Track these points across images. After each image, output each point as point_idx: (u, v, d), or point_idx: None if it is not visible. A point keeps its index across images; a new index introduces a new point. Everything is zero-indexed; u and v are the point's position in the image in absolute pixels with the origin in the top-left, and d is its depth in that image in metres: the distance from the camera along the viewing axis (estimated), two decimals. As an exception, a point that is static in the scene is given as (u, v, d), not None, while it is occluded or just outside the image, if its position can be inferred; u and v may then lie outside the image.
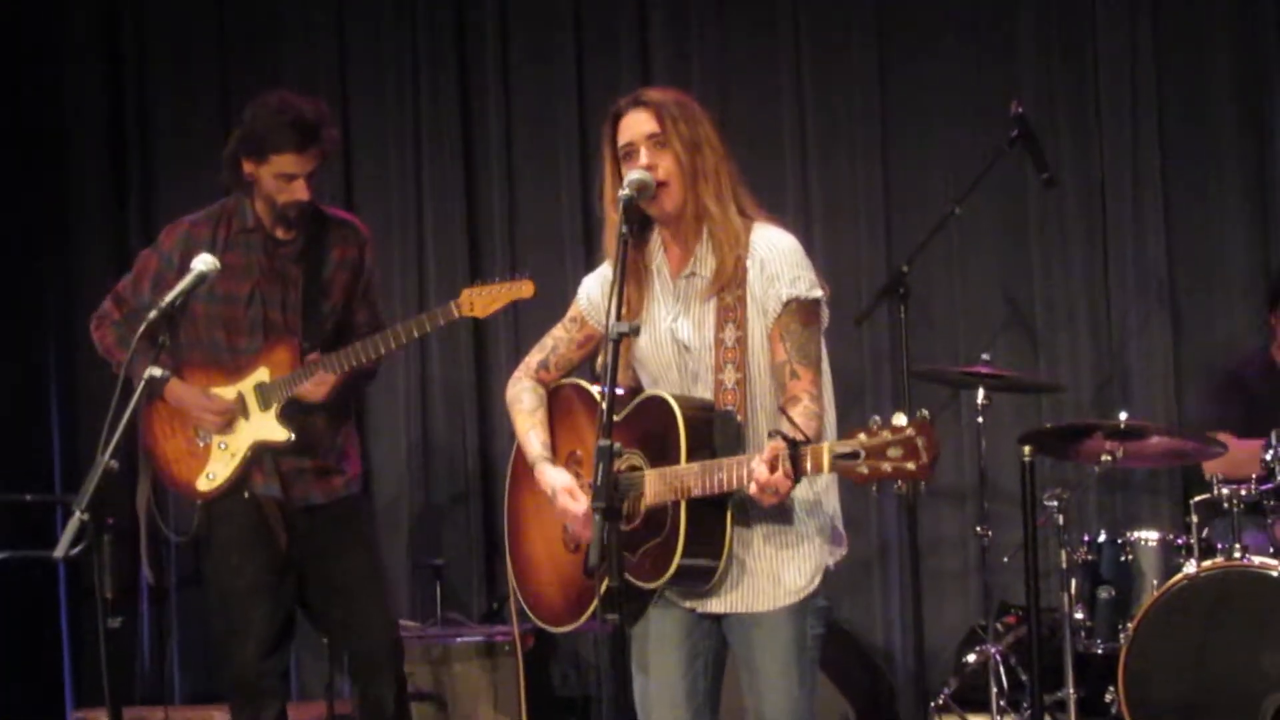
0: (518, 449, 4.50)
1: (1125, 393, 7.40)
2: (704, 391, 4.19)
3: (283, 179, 5.51)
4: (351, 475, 5.83)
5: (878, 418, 3.72)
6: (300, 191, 5.52)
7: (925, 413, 3.70)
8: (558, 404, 4.49)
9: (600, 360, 4.21)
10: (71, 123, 8.34)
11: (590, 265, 7.73)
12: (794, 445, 3.80)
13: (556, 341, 4.52)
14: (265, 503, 5.64)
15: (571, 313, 4.51)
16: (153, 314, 4.51)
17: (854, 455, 3.72)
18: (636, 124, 4.21)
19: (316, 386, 5.60)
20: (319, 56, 8.22)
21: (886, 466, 3.69)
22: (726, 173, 4.23)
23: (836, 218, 7.73)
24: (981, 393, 6.70)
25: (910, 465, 3.68)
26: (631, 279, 4.25)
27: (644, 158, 4.17)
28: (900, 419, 3.69)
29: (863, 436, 3.72)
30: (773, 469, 3.81)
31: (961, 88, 7.66)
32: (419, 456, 8.11)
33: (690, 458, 4.02)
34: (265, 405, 5.65)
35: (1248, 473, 6.19)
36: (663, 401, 4.12)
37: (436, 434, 8.12)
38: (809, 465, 3.79)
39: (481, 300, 5.59)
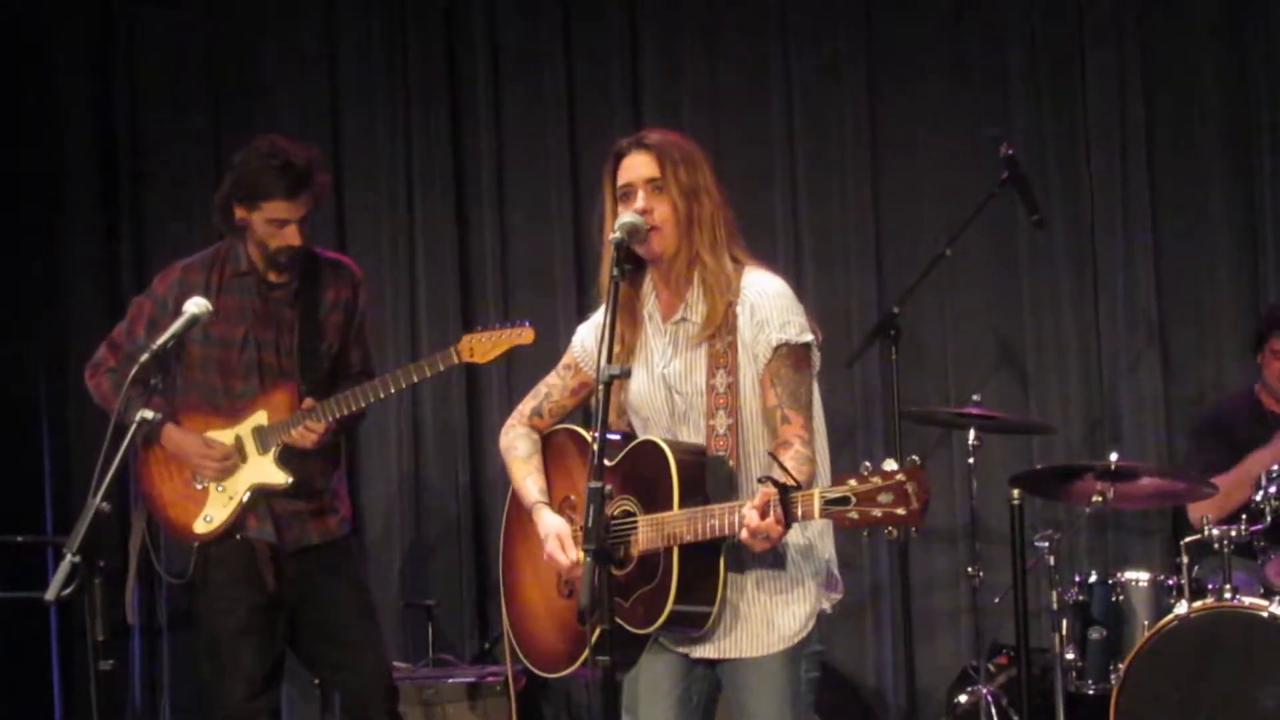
0: (513, 494, 4.51)
1: (1116, 433, 7.41)
2: (695, 436, 4.20)
3: (274, 225, 5.52)
4: (344, 515, 5.83)
5: (869, 464, 3.73)
6: (292, 237, 5.54)
7: (916, 459, 3.71)
8: (551, 450, 4.50)
9: (591, 402, 4.23)
10: (63, 165, 8.32)
11: (583, 305, 7.82)
12: (785, 491, 3.80)
13: (550, 388, 4.53)
14: (258, 546, 5.65)
15: (566, 360, 4.52)
16: (145, 356, 4.52)
17: (845, 501, 3.73)
18: (637, 166, 4.23)
19: (305, 434, 5.60)
20: (310, 97, 8.22)
21: (877, 512, 3.70)
22: (722, 220, 4.25)
23: (827, 258, 7.74)
24: (972, 433, 6.71)
25: (901, 511, 3.69)
26: (626, 322, 4.28)
27: (641, 201, 4.19)
28: (891, 465, 3.70)
29: (853, 482, 3.73)
30: (764, 515, 3.82)
31: (951, 128, 7.68)
32: (410, 496, 8.10)
33: (682, 503, 4.03)
34: (264, 449, 5.65)
35: (1236, 503, 6.20)
36: (656, 446, 4.14)
37: (428, 474, 8.11)
38: (800, 511, 3.80)
39: (482, 346, 5.61)
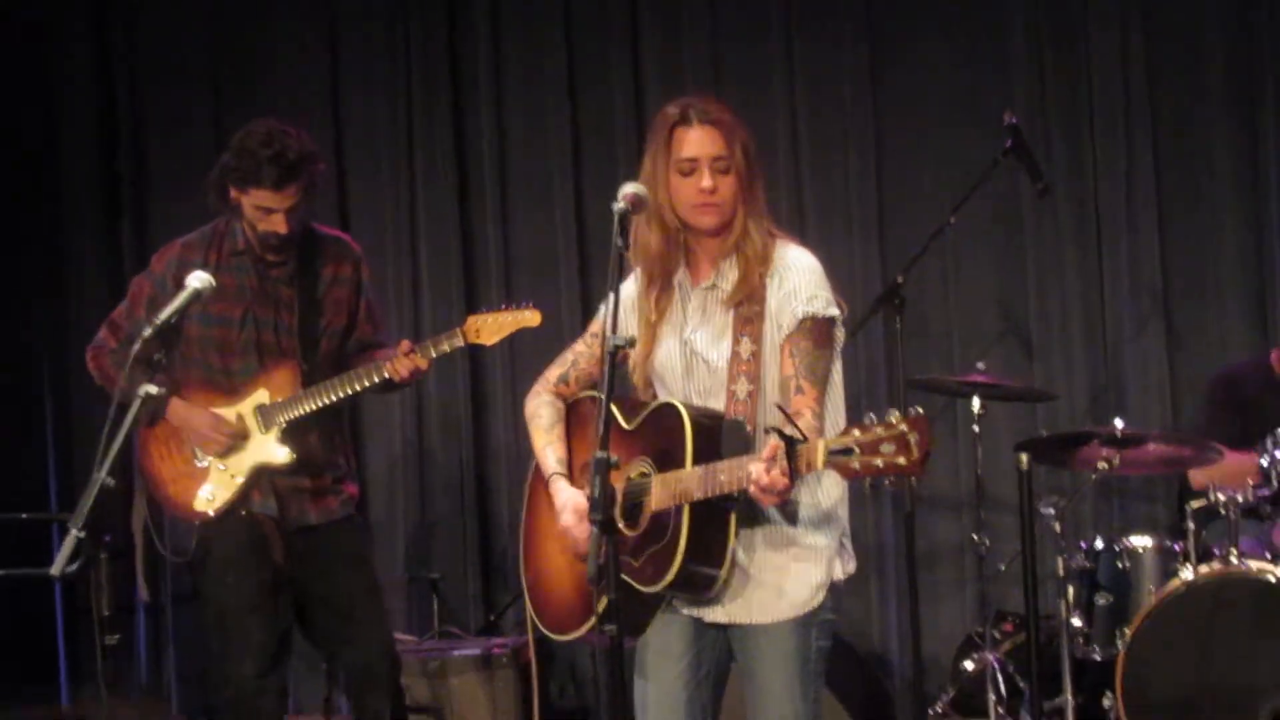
0: (536, 464, 4.51)
1: (1120, 400, 7.40)
2: (718, 403, 4.21)
3: (261, 211, 5.51)
4: (348, 495, 5.83)
5: (872, 415, 3.73)
6: (278, 224, 5.52)
7: (919, 409, 3.71)
8: (576, 416, 4.51)
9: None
10: (63, 143, 8.34)
11: (585, 286, 7.82)
12: (790, 443, 3.80)
13: (577, 356, 4.53)
14: (263, 521, 5.64)
15: (592, 328, 4.52)
16: (147, 331, 4.51)
17: (848, 451, 3.73)
18: (702, 142, 4.23)
19: (405, 365, 5.57)
20: (311, 78, 8.21)
21: (879, 462, 3.70)
22: (763, 194, 4.28)
23: (831, 229, 7.73)
24: (977, 402, 6.70)
25: (902, 460, 3.69)
26: (663, 288, 4.30)
27: (707, 180, 4.19)
28: (893, 415, 3.71)
29: (856, 433, 3.73)
30: (770, 469, 3.82)
31: (954, 97, 7.67)
32: (414, 470, 8.11)
33: (696, 463, 4.04)
34: (266, 427, 5.64)
35: (1237, 484, 6.18)
36: (673, 409, 4.16)
37: (432, 447, 8.12)
38: (804, 463, 3.80)
39: (488, 328, 5.61)
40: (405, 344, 5.61)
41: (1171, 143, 7.47)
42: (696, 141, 4.23)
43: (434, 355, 5.62)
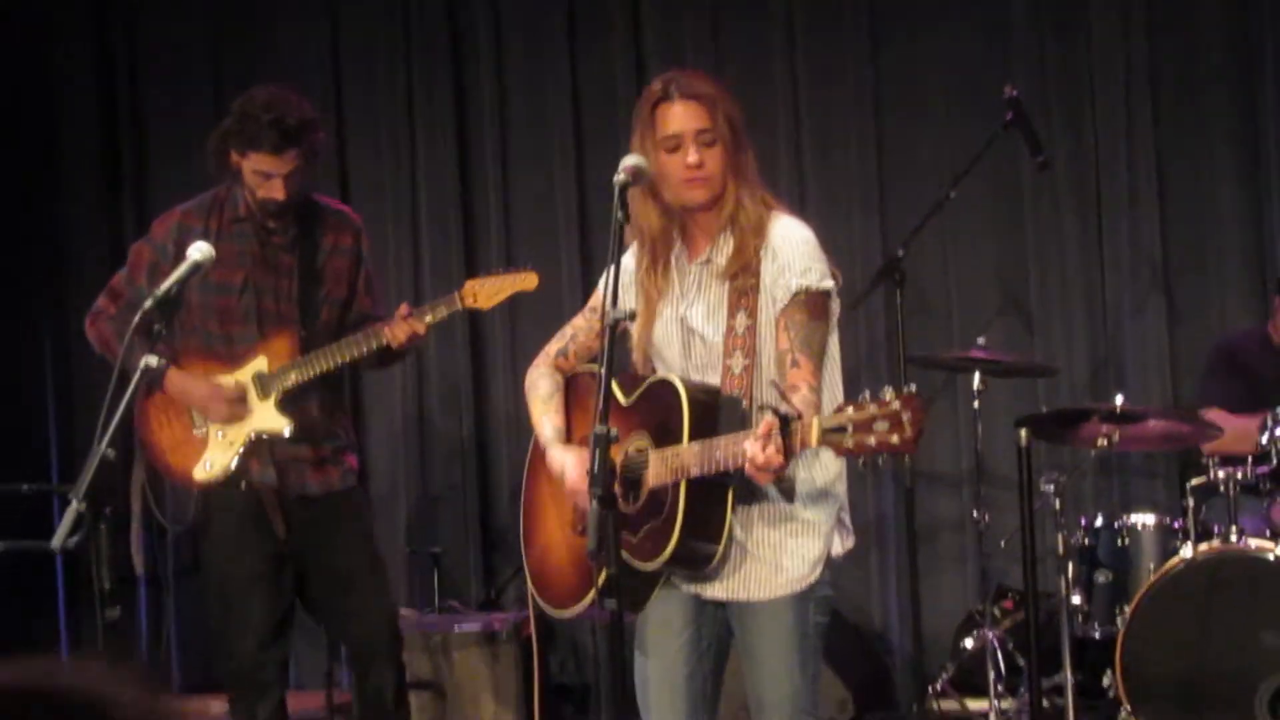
0: (534, 439, 4.51)
1: (1121, 376, 7.40)
2: (715, 378, 4.20)
3: (260, 175, 5.50)
4: (349, 467, 5.82)
5: (867, 392, 3.73)
6: (276, 190, 5.50)
7: (913, 386, 3.70)
8: (575, 390, 4.50)
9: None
10: (62, 112, 8.33)
11: (585, 255, 7.81)
12: (785, 420, 3.80)
13: (576, 330, 4.53)
14: (263, 491, 5.64)
15: (592, 302, 4.51)
16: (148, 303, 4.51)
17: (841, 429, 3.73)
18: (686, 117, 4.20)
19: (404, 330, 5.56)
20: (311, 47, 8.21)
21: (872, 440, 3.70)
22: (754, 164, 4.26)
23: (831, 203, 7.72)
24: (977, 377, 6.71)
25: (895, 438, 3.68)
26: (662, 263, 4.28)
27: (693, 155, 4.17)
28: (888, 393, 3.71)
29: (850, 411, 3.73)
30: (765, 446, 3.82)
31: (955, 70, 7.65)
32: (415, 444, 8.11)
33: (692, 439, 4.03)
34: (265, 394, 5.63)
35: (1244, 449, 6.19)
36: (669, 384, 4.15)
37: (433, 421, 8.12)
38: (799, 441, 3.80)
39: (485, 292, 5.58)
40: (404, 307, 5.61)
41: (1172, 117, 7.46)
42: (679, 117, 4.20)
43: (431, 320, 5.59)
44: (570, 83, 7.99)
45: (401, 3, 8.17)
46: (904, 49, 7.73)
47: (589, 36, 8.02)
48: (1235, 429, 6.35)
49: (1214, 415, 6.43)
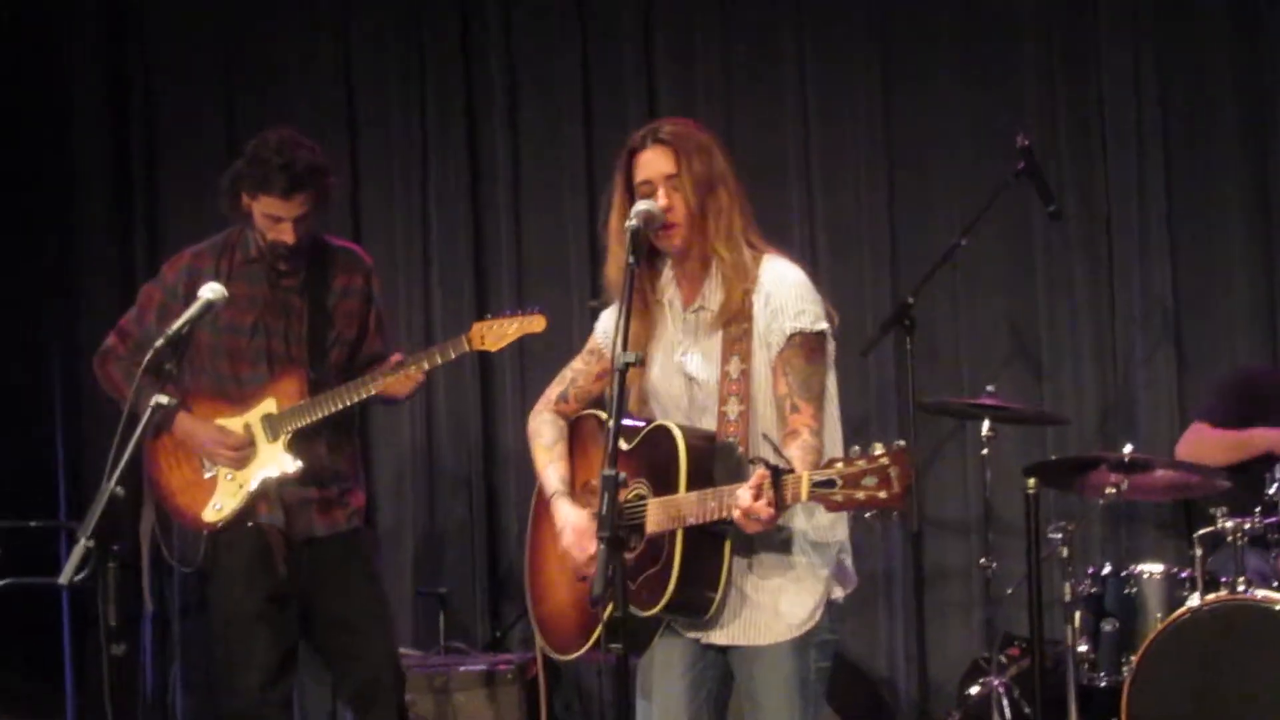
0: (540, 485, 4.52)
1: (1130, 425, 7.39)
2: (712, 424, 4.21)
3: (270, 219, 5.53)
4: (355, 507, 5.82)
5: (857, 447, 3.74)
6: (285, 234, 5.53)
7: (902, 442, 3.71)
8: (577, 435, 4.52)
9: (607, 391, 4.23)
10: (76, 154, 8.35)
11: (596, 295, 7.81)
12: (776, 473, 3.81)
13: (575, 374, 4.54)
14: (269, 531, 5.64)
15: (590, 345, 4.53)
16: (159, 342, 4.51)
17: (830, 484, 3.74)
18: (654, 162, 4.23)
19: (404, 382, 5.60)
20: (325, 86, 8.23)
21: (861, 495, 3.71)
22: (739, 209, 4.25)
23: (842, 249, 7.73)
24: (987, 424, 6.70)
25: (883, 494, 3.70)
26: (639, 311, 4.26)
27: (662, 199, 4.18)
28: (877, 448, 3.71)
29: (840, 465, 3.75)
30: (756, 497, 3.83)
31: (966, 119, 7.67)
32: (424, 484, 8.11)
33: (690, 487, 4.05)
34: (273, 436, 5.65)
35: (1223, 461, 6.35)
36: (667, 431, 4.15)
37: (441, 462, 8.12)
38: (789, 494, 3.81)
39: (492, 334, 5.60)
40: (396, 356, 5.63)
41: (1183, 166, 7.47)
42: (648, 163, 4.23)
43: (439, 362, 5.63)
44: (583, 127, 8.01)
45: (416, 42, 8.19)
46: (916, 95, 7.74)
47: (602, 81, 8.04)
48: (1232, 437, 6.46)
49: (1196, 427, 6.50)
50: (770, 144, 7.79)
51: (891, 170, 7.74)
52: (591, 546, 4.18)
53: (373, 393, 5.60)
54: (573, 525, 4.32)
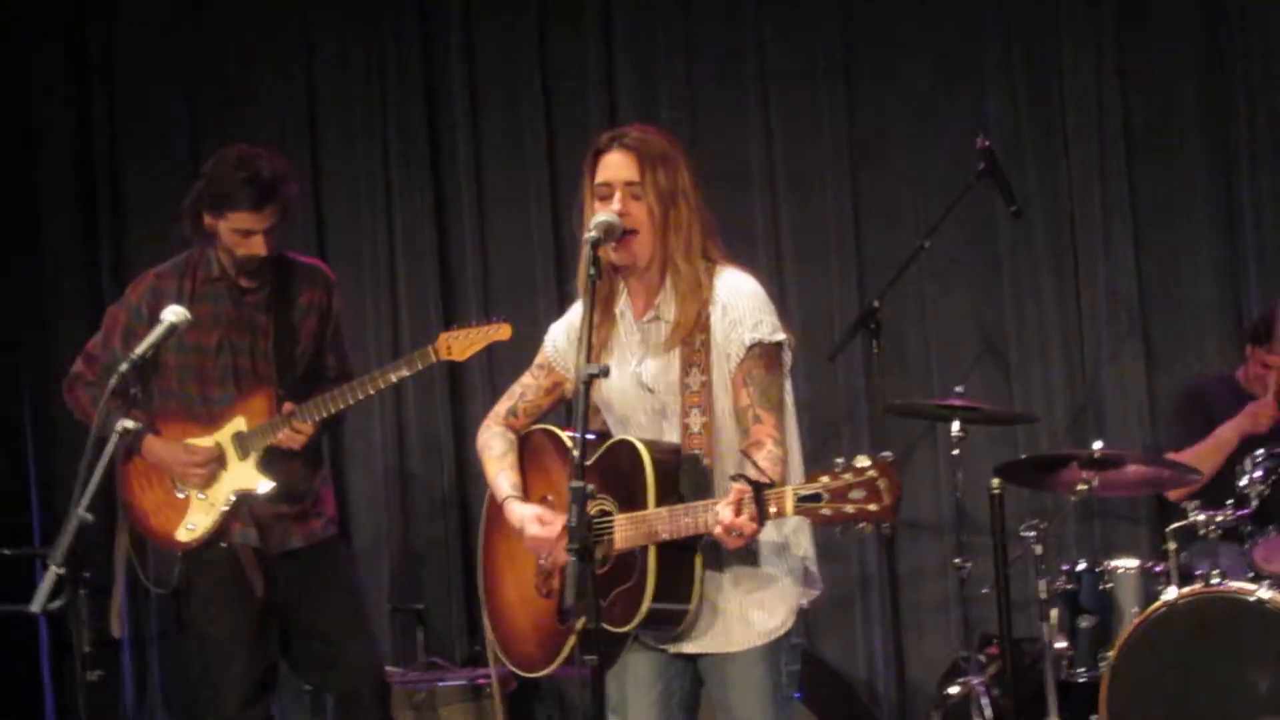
0: (490, 496, 4.50)
1: (1100, 422, 7.41)
2: (670, 433, 4.21)
3: (239, 234, 5.53)
4: (329, 516, 5.84)
5: (841, 460, 3.73)
6: (258, 247, 5.54)
7: (889, 455, 3.71)
8: (528, 449, 4.50)
9: (572, 405, 4.23)
10: (40, 170, 8.34)
11: (563, 303, 7.80)
12: (758, 488, 3.81)
13: (524, 389, 4.53)
14: (242, 551, 5.64)
15: (538, 360, 4.53)
16: (123, 366, 4.51)
17: (817, 498, 3.73)
18: (616, 166, 4.22)
19: (293, 436, 5.60)
20: (288, 104, 8.23)
21: (849, 508, 3.71)
22: (698, 223, 4.25)
23: (807, 253, 7.74)
24: (956, 425, 6.70)
25: (872, 507, 3.69)
26: (598, 322, 4.26)
27: (618, 203, 4.18)
28: (863, 460, 3.70)
29: (826, 479, 3.74)
30: (737, 512, 3.82)
31: (929, 120, 7.68)
32: (397, 501, 8.10)
33: (659, 502, 4.04)
34: (244, 454, 5.65)
35: (1208, 472, 6.47)
36: (631, 446, 4.14)
37: (414, 478, 8.11)
38: (773, 508, 3.81)
39: (459, 344, 5.61)
40: (288, 406, 5.62)
41: (1145, 164, 7.48)
42: (610, 165, 4.23)
43: (407, 374, 5.63)
44: (546, 138, 8.01)
45: (378, 59, 8.19)
46: (878, 99, 7.75)
47: (564, 93, 8.04)
48: (1203, 447, 6.49)
49: (1180, 459, 6.55)
50: (734, 150, 7.80)
51: (855, 174, 7.75)
52: (556, 526, 4.17)
53: (351, 403, 5.60)
54: (534, 515, 4.30)
